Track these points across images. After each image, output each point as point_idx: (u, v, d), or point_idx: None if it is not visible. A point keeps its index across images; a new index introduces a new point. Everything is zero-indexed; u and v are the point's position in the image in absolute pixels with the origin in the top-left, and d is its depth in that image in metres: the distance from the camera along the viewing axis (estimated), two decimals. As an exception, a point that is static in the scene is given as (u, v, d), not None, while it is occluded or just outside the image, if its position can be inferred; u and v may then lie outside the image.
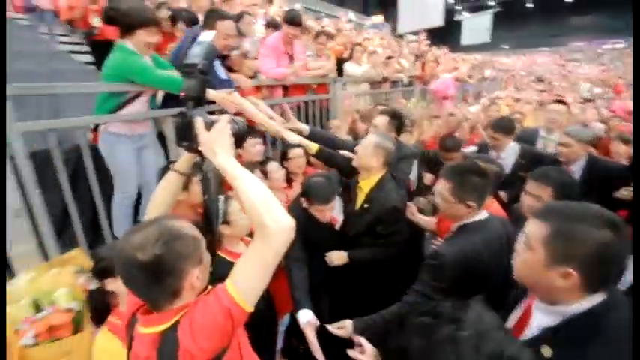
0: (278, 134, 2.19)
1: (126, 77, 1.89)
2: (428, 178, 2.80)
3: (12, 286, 1.48)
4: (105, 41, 4.75)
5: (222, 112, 2.09)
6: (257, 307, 1.64)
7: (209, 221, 1.63)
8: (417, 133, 3.51)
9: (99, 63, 3.54)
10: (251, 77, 2.80)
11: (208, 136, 0.94)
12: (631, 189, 2.20)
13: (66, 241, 1.82)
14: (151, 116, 2.10)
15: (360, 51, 4.01)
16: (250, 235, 1.83)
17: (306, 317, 1.60)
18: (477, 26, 22.41)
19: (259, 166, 2.17)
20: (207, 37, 1.03)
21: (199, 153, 0.99)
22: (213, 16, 2.24)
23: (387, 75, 4.30)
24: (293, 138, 2.14)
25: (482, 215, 1.48)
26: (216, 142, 0.93)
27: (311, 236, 1.83)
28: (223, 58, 2.48)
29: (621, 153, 2.88)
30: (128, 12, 1.88)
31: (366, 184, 2.00)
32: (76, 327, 1.45)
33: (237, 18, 3.47)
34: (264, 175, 2.17)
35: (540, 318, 0.92)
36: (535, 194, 1.63)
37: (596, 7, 29.98)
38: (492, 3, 28.39)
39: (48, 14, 5.21)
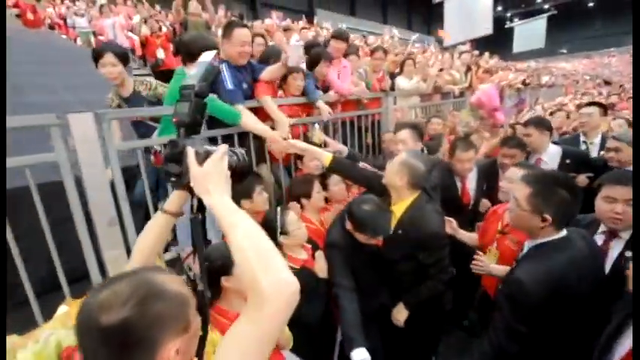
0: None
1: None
2: (484, 204, 2.55)
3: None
4: (166, 70, 5.35)
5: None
6: (316, 312, 1.68)
7: (270, 232, 1.72)
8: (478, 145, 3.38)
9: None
10: (300, 95, 2.65)
11: (200, 171, 0.78)
12: None
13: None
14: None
15: (410, 65, 4.01)
16: (309, 241, 1.88)
17: (361, 356, 1.51)
18: (529, 32, 21.30)
19: (319, 178, 2.23)
20: (206, 57, 0.92)
21: (190, 190, 0.84)
22: (231, 26, 2.26)
23: (437, 87, 4.24)
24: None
25: (562, 233, 1.34)
26: (210, 178, 0.78)
27: (358, 261, 1.76)
28: (252, 73, 2.43)
29: None
30: (190, 41, 2.07)
31: (398, 208, 1.84)
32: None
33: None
34: (324, 187, 2.22)
35: None
36: (630, 198, 1.46)
37: (673, 1, 26.95)
38: (547, 6, 26.85)
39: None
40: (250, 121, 2.17)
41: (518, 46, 20.88)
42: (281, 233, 1.67)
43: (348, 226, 1.72)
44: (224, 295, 1.36)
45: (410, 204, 1.82)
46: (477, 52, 6.82)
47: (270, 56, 2.70)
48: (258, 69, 2.46)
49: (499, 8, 26.81)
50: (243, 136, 2.31)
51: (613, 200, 1.51)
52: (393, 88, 3.86)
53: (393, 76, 4.04)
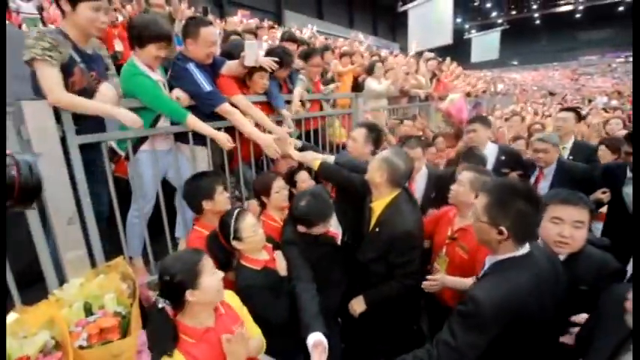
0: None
1: (132, 95, 1.89)
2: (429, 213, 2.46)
3: (64, 292, 1.54)
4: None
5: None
6: (281, 311, 1.65)
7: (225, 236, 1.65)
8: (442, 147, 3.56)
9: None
10: (263, 93, 2.56)
11: None
12: (606, 191, 2.29)
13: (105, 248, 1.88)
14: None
15: (380, 67, 4.13)
16: (271, 240, 1.83)
17: (315, 338, 1.41)
18: (485, 44, 22.75)
19: (288, 176, 2.23)
20: None
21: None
22: (196, 23, 2.08)
23: (404, 90, 4.39)
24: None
25: (524, 249, 1.23)
26: None
27: (314, 255, 1.75)
28: (213, 67, 2.26)
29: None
30: (142, 25, 1.89)
31: (377, 206, 1.84)
32: (124, 331, 1.49)
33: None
34: (293, 184, 2.22)
35: None
36: (579, 220, 1.39)
37: (607, 21, 30.16)
38: (500, 21, 28.83)
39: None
40: (197, 122, 2.02)
41: (475, 57, 22.20)
42: (234, 238, 1.61)
43: (301, 229, 1.72)
44: (189, 309, 1.27)
45: (389, 202, 1.81)
46: (439, 59, 7.12)
47: (234, 51, 2.53)
48: (219, 62, 2.32)
49: (458, 20, 28.35)
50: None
51: (560, 221, 1.41)
52: (362, 89, 3.95)
53: (358, 80, 4.16)
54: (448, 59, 6.48)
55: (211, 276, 1.28)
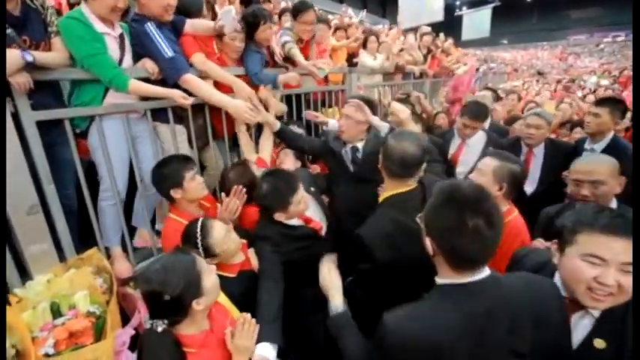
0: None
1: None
2: None
3: (27, 291, 1.36)
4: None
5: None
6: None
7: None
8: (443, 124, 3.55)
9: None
10: (239, 59, 2.29)
11: None
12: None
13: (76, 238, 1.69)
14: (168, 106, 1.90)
15: (374, 41, 3.90)
16: (246, 235, 1.67)
17: (262, 351, 1.25)
18: (476, 21, 22.37)
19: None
20: None
21: None
22: None
23: (400, 66, 4.19)
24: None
25: (476, 277, 0.92)
26: None
27: (289, 250, 1.57)
28: (174, 27, 1.96)
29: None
30: None
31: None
32: (98, 333, 1.33)
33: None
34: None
35: None
36: (624, 263, 0.86)
37: (596, 1, 30.00)
38: (491, -3, 28.32)
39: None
40: (140, 85, 1.71)
41: (466, 34, 21.85)
42: (207, 257, 1.37)
43: (278, 217, 1.55)
44: (190, 318, 1.09)
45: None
46: (433, 34, 6.85)
47: (192, 8, 2.18)
48: (178, 22, 1.99)
49: (449, -4, 27.68)
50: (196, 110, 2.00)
51: (602, 263, 0.87)
52: (355, 65, 3.75)
53: (353, 55, 3.93)
54: (442, 35, 6.24)
55: (210, 274, 1.13)
